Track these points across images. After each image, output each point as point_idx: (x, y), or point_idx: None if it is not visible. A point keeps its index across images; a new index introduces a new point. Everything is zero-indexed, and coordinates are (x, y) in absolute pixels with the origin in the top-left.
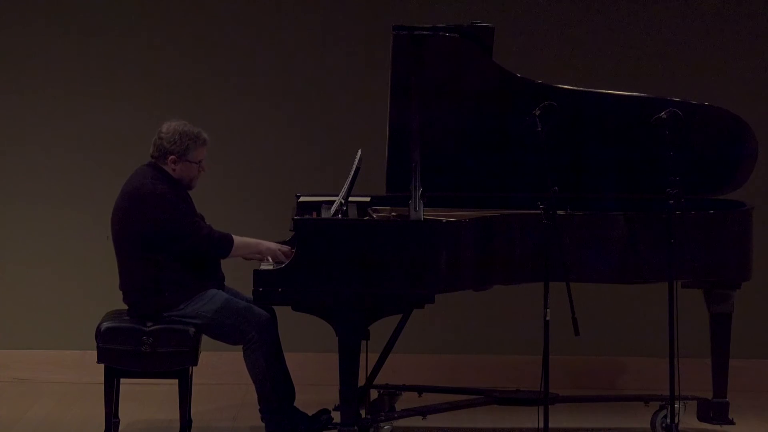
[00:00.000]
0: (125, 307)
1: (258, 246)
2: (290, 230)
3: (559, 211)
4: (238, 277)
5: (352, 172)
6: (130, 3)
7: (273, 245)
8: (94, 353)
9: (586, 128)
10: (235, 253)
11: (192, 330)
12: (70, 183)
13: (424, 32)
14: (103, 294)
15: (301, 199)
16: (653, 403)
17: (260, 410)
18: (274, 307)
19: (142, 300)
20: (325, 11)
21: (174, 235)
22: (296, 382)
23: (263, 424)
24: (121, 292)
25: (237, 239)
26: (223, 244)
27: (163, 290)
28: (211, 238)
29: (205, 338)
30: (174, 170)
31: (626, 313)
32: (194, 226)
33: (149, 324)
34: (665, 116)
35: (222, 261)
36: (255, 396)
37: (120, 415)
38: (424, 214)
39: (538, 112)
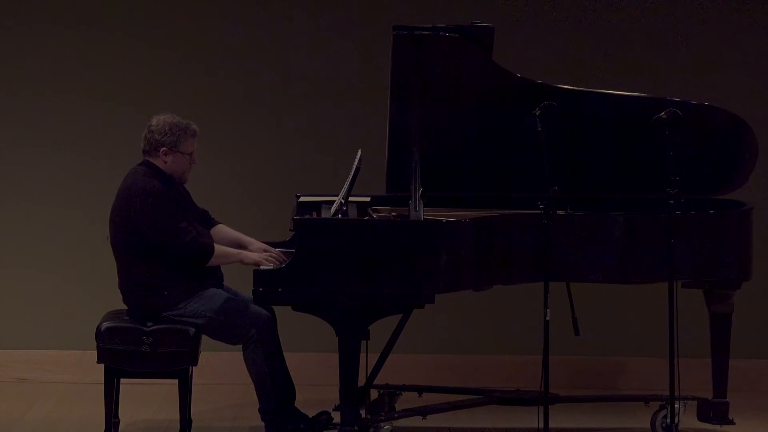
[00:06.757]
0: (125, 307)
1: (238, 256)
2: (290, 230)
3: (559, 211)
4: (238, 277)
5: (352, 172)
6: (129, 3)
7: (255, 256)
8: (94, 353)
9: (586, 128)
10: (215, 263)
11: (192, 330)
12: (69, 183)
13: (424, 32)
14: (103, 294)
15: (301, 199)
16: (653, 403)
17: (260, 410)
18: (274, 307)
19: (141, 300)
20: (325, 11)
21: (154, 241)
22: (296, 382)
23: (263, 424)
24: (120, 292)
25: (218, 249)
26: (203, 255)
27: (162, 290)
28: (190, 246)
29: (205, 338)
30: (166, 163)
31: (626, 313)
32: (176, 232)
33: (149, 324)
34: (665, 116)
35: None
36: (255, 396)
37: (120, 415)
38: (424, 214)
39: (538, 112)
